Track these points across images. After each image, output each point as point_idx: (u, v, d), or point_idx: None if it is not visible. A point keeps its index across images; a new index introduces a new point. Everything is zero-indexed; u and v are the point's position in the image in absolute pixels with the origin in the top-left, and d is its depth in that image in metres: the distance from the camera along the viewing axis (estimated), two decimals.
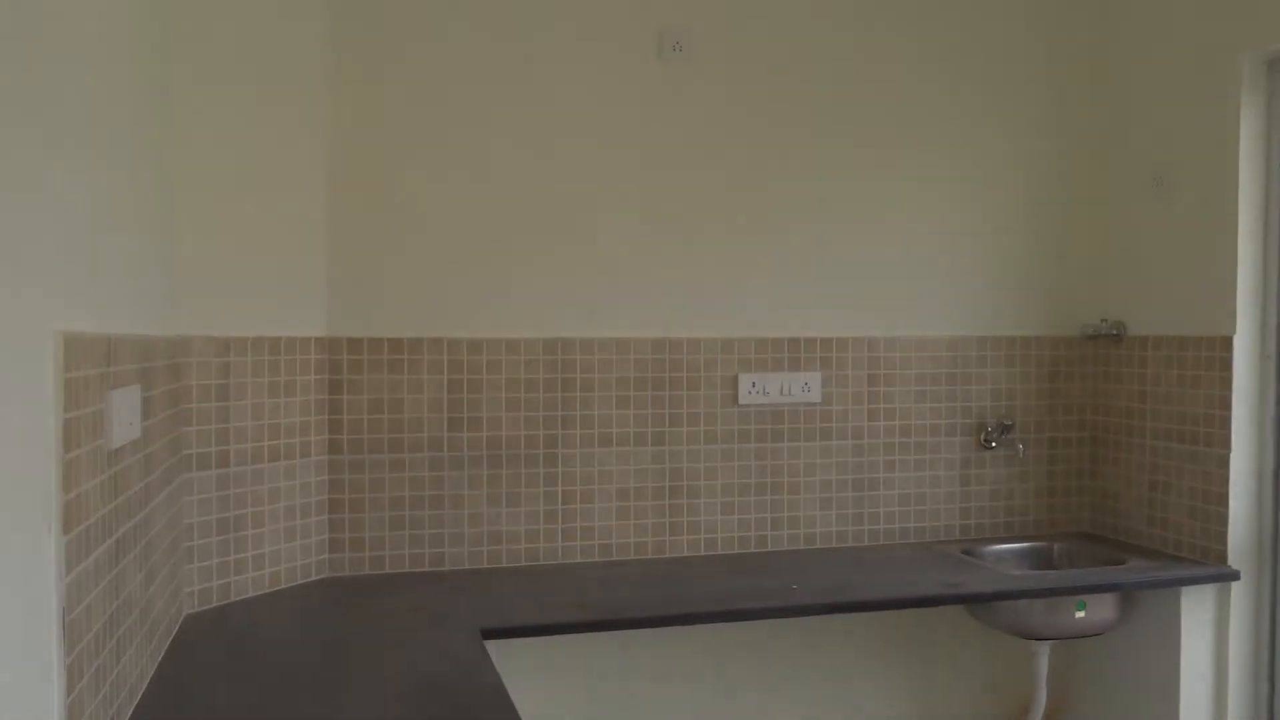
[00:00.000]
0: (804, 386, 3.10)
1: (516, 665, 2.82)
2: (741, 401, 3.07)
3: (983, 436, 3.26)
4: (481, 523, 2.89)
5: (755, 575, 2.83)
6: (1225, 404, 2.86)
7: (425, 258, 2.83)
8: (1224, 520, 2.86)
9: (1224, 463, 2.86)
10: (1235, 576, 2.84)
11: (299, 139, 2.69)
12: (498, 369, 2.90)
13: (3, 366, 1.17)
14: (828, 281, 3.13)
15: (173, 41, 2.32)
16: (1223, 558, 2.87)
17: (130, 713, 1.78)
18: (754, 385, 3.07)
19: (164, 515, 2.14)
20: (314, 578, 2.75)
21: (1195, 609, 2.90)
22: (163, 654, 2.11)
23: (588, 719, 2.97)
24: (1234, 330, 2.85)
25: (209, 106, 2.44)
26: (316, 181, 2.73)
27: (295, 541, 2.70)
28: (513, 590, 2.68)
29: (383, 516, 2.82)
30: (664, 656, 3.01)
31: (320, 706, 1.87)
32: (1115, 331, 3.23)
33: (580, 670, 2.95)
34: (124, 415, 1.72)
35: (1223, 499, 2.86)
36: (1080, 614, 2.87)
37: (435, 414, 2.86)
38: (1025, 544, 3.23)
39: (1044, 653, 3.08)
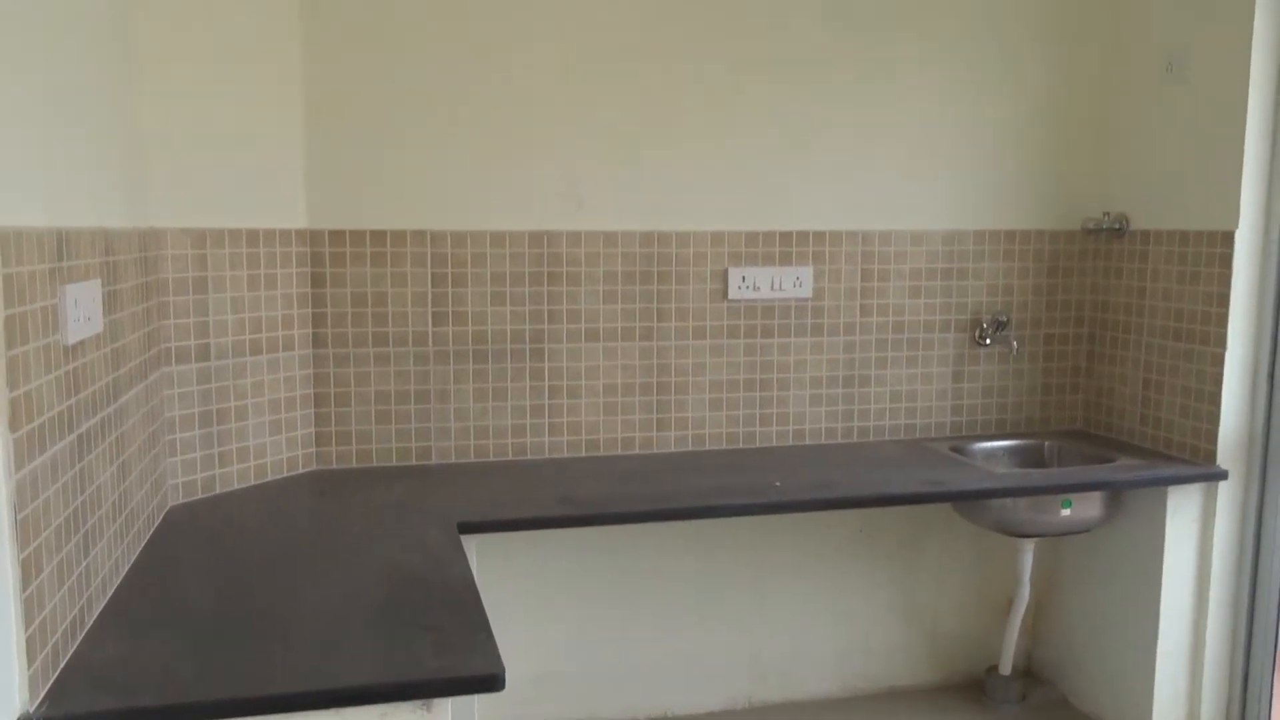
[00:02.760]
0: (795, 281, 3.05)
1: (498, 561, 2.87)
2: (731, 296, 3.02)
3: (977, 333, 3.21)
4: (467, 417, 2.89)
5: (742, 472, 2.83)
6: (1224, 301, 2.80)
7: (407, 148, 2.76)
8: (1215, 419, 2.82)
9: (1218, 361, 2.81)
10: (1223, 476, 2.82)
11: (273, 15, 2.60)
12: (482, 262, 2.85)
13: None
14: (821, 174, 3.05)
15: None
16: (1211, 457, 2.84)
17: (104, 603, 1.81)
18: (744, 279, 3.02)
19: (140, 409, 2.14)
20: (300, 470, 2.77)
21: (1181, 508, 2.89)
22: (142, 545, 2.13)
23: (572, 616, 3.03)
24: (1236, 225, 2.77)
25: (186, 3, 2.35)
26: (292, 64, 2.65)
27: (281, 435, 2.71)
28: (497, 484, 2.69)
29: (369, 410, 2.83)
30: (648, 552, 3.04)
31: (293, 596, 1.89)
32: (1118, 225, 3.15)
33: (564, 567, 2.99)
34: (82, 309, 1.70)
35: (1215, 398, 2.82)
36: (1066, 512, 2.87)
37: (419, 308, 2.83)
38: (1016, 441, 3.22)
39: (1028, 550, 3.10)
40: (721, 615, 3.14)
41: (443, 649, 1.63)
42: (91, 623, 1.72)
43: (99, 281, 1.83)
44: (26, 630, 1.40)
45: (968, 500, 2.90)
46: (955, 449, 3.09)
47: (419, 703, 1.55)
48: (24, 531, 1.40)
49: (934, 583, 3.31)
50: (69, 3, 1.75)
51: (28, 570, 1.41)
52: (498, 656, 1.59)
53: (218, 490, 2.54)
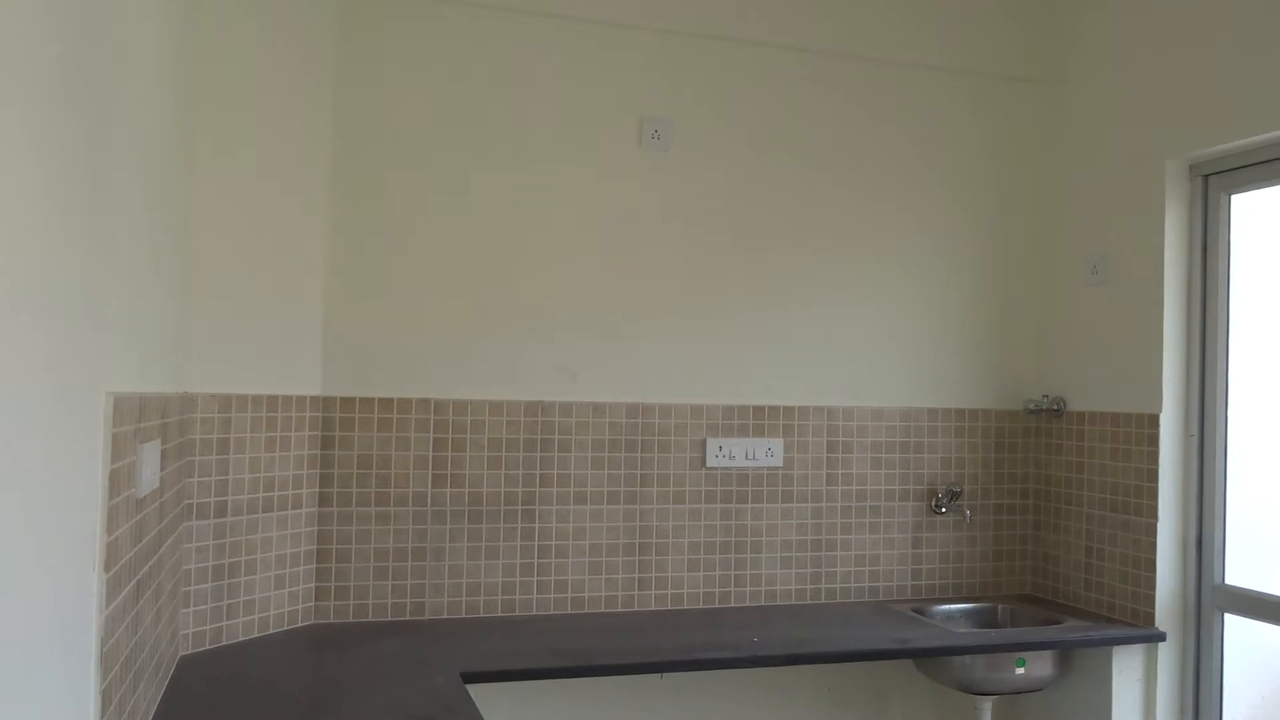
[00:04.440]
0: (767, 451, 3.32)
1: (494, 711, 2.98)
2: (709, 464, 3.27)
3: (933, 502, 3.48)
4: (461, 574, 3.05)
5: (719, 629, 3.01)
6: (1153, 476, 3.10)
7: (413, 324, 3.03)
8: (1152, 584, 3.08)
9: (1152, 531, 3.10)
10: (1162, 638, 3.06)
11: (300, 216, 2.89)
12: (480, 429, 3.08)
13: (65, 424, 1.35)
14: (791, 354, 3.36)
15: (195, 121, 2.54)
16: (1150, 620, 3.09)
17: None
18: (721, 449, 3.28)
19: (169, 560, 2.30)
20: (300, 624, 2.89)
21: (1126, 667, 3.11)
22: (162, 692, 2.25)
23: None
24: (1160, 409, 3.10)
25: (223, 185, 2.65)
26: (315, 253, 2.93)
27: (285, 589, 2.85)
28: (490, 638, 2.84)
29: (368, 567, 2.98)
30: (631, 704, 3.17)
31: None
32: (1056, 407, 3.48)
33: (543, 716, 3.10)
34: (150, 467, 1.90)
35: (1151, 565, 3.09)
36: (1020, 670, 3.07)
37: (420, 470, 3.03)
38: (972, 604, 3.44)
39: (987, 708, 3.27)
40: None
41: None
42: None
43: (159, 441, 2.03)
44: None
45: (931, 657, 3.09)
46: (916, 610, 3.30)
47: None
48: (105, 665, 1.56)
49: None
50: (149, 207, 2.02)
51: (106, 701, 1.57)
52: None
53: (224, 642, 2.67)
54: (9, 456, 1.05)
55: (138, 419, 1.80)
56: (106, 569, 1.56)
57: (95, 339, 1.49)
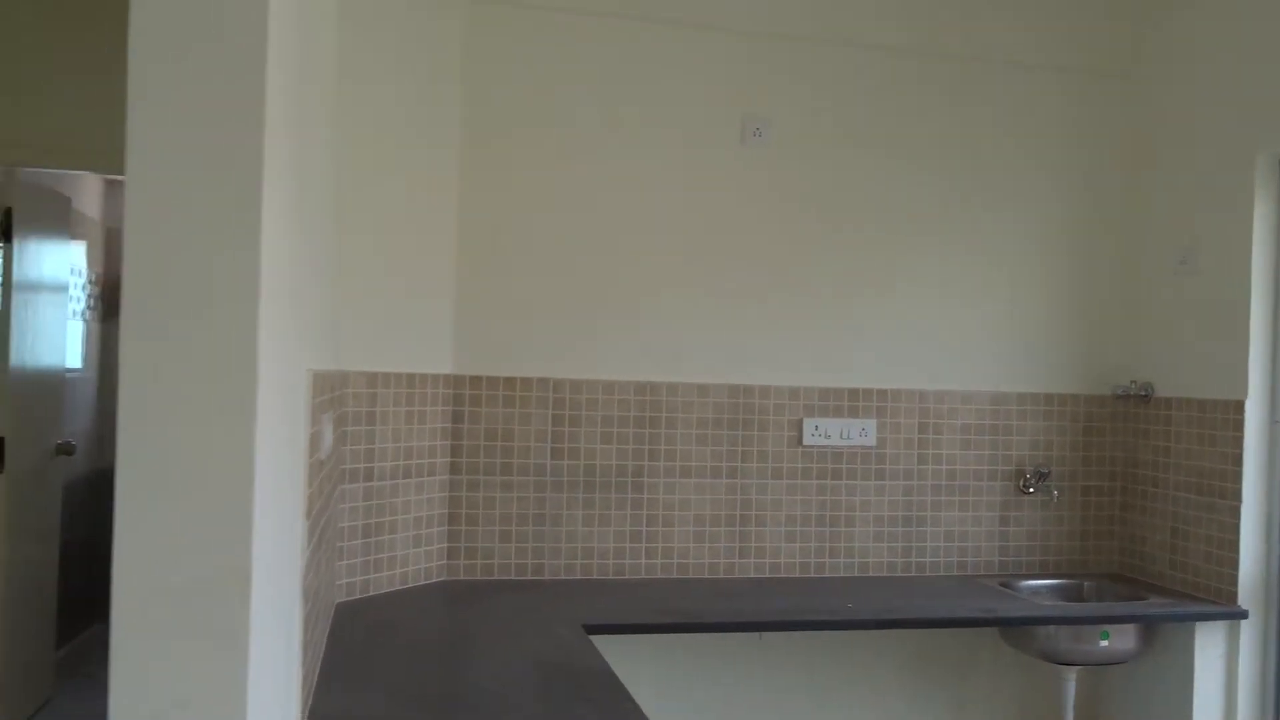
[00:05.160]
0: (861, 431, 3.52)
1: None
2: (805, 442, 3.49)
3: (1021, 482, 3.64)
4: (577, 539, 3.33)
5: (814, 596, 3.23)
6: (1238, 461, 3.22)
7: (534, 309, 3.30)
8: (1235, 565, 3.21)
9: (1235, 513, 3.22)
10: (1244, 615, 3.19)
11: (433, 212, 3.20)
12: (595, 406, 3.35)
13: (292, 394, 1.64)
14: (884, 340, 3.55)
15: (344, 139, 2.85)
16: (1234, 599, 3.22)
17: (315, 677, 2.24)
18: (817, 428, 3.49)
19: (332, 517, 2.62)
20: (435, 580, 3.21)
21: (1208, 643, 3.25)
22: (328, 632, 2.57)
23: (650, 710, 3.38)
24: (1246, 395, 3.22)
25: (366, 186, 2.96)
26: (447, 245, 3.23)
27: (421, 548, 3.17)
28: (603, 597, 3.11)
29: (493, 530, 3.28)
30: (732, 662, 3.42)
31: (465, 675, 2.32)
32: (1143, 392, 3.61)
33: (653, 669, 3.36)
34: (327, 434, 2.20)
35: (1234, 546, 3.22)
36: (1104, 643, 3.23)
37: (540, 443, 3.32)
38: (1058, 581, 3.60)
39: (1071, 678, 3.43)
40: None
41: (596, 712, 2.04)
42: (314, 686, 2.15)
43: (331, 413, 2.34)
44: (301, 680, 1.85)
45: (1017, 626, 3.27)
46: (1003, 584, 3.48)
47: None
48: (306, 597, 1.87)
49: (984, 708, 3.64)
50: (324, 220, 2.32)
51: (308, 627, 1.87)
52: (643, 717, 2.00)
53: (371, 592, 2.99)
54: (271, 419, 1.33)
55: (320, 393, 2.10)
56: (307, 516, 1.86)
57: (300, 322, 1.78)
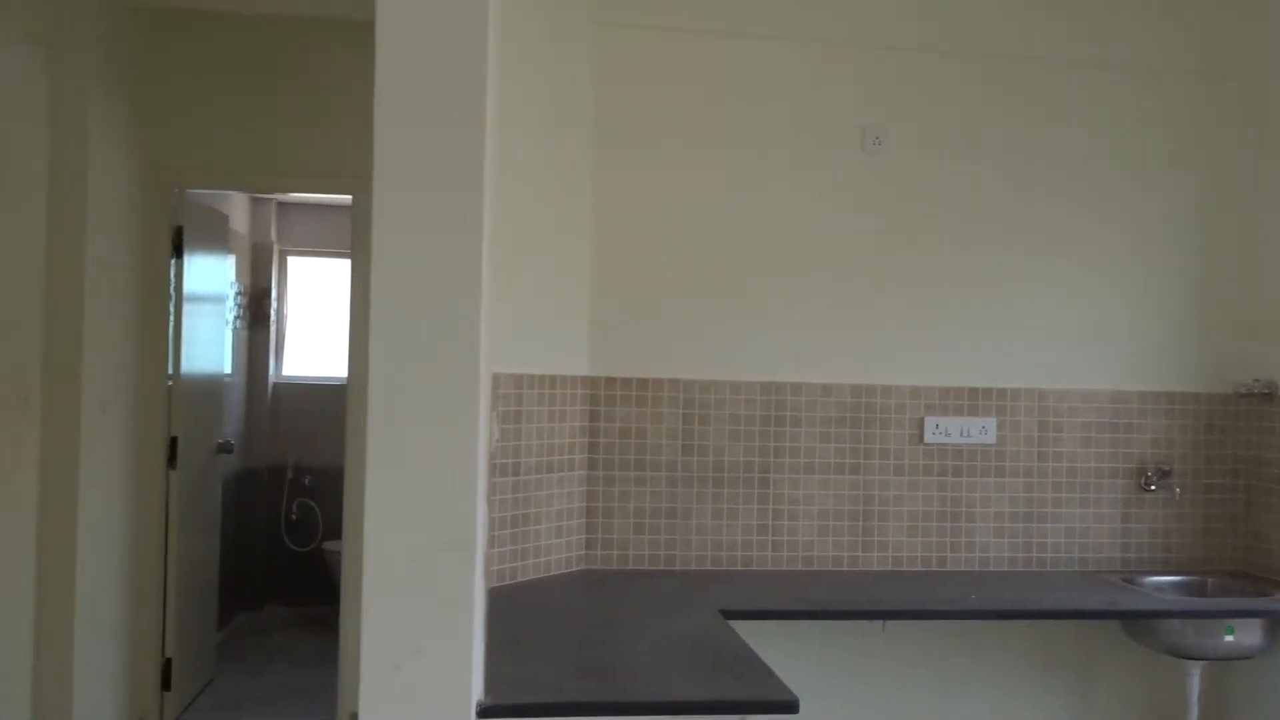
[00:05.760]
0: (981, 429, 3.62)
1: None
2: (926, 440, 3.61)
3: (1143, 480, 3.69)
4: (706, 532, 3.52)
5: (936, 588, 3.35)
6: None
7: (664, 314, 3.50)
8: None
9: None
10: None
11: (569, 224, 3.42)
12: (723, 406, 3.53)
13: (482, 390, 1.86)
14: (1003, 340, 3.65)
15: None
16: None
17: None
18: (937, 426, 3.61)
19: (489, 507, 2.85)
20: (574, 569, 3.42)
21: None
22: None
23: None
24: None
25: (511, 208, 3.19)
26: (582, 254, 3.45)
27: (562, 538, 3.39)
28: (734, 586, 3.29)
29: (628, 522, 3.48)
30: (856, 650, 3.55)
31: (614, 650, 2.52)
32: (1267, 390, 3.63)
33: (781, 654, 3.50)
34: (495, 430, 2.43)
35: None
36: (1229, 638, 3.27)
37: (672, 440, 3.51)
38: (1181, 577, 3.63)
39: (1195, 673, 3.47)
40: (905, 714, 3.60)
41: (746, 685, 2.22)
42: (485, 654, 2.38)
43: (497, 411, 2.57)
44: (483, 646, 2.06)
45: (1140, 619, 3.33)
46: (1126, 580, 3.54)
47: (736, 717, 2.13)
48: (486, 575, 2.09)
49: (1106, 702, 3.69)
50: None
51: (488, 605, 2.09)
52: (789, 690, 2.17)
53: (518, 579, 3.22)
54: (483, 416, 1.54)
55: (491, 391, 2.32)
56: (486, 501, 2.08)
57: (487, 332, 2.00)
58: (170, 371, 4.26)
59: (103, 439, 3.84)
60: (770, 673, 2.30)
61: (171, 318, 4.27)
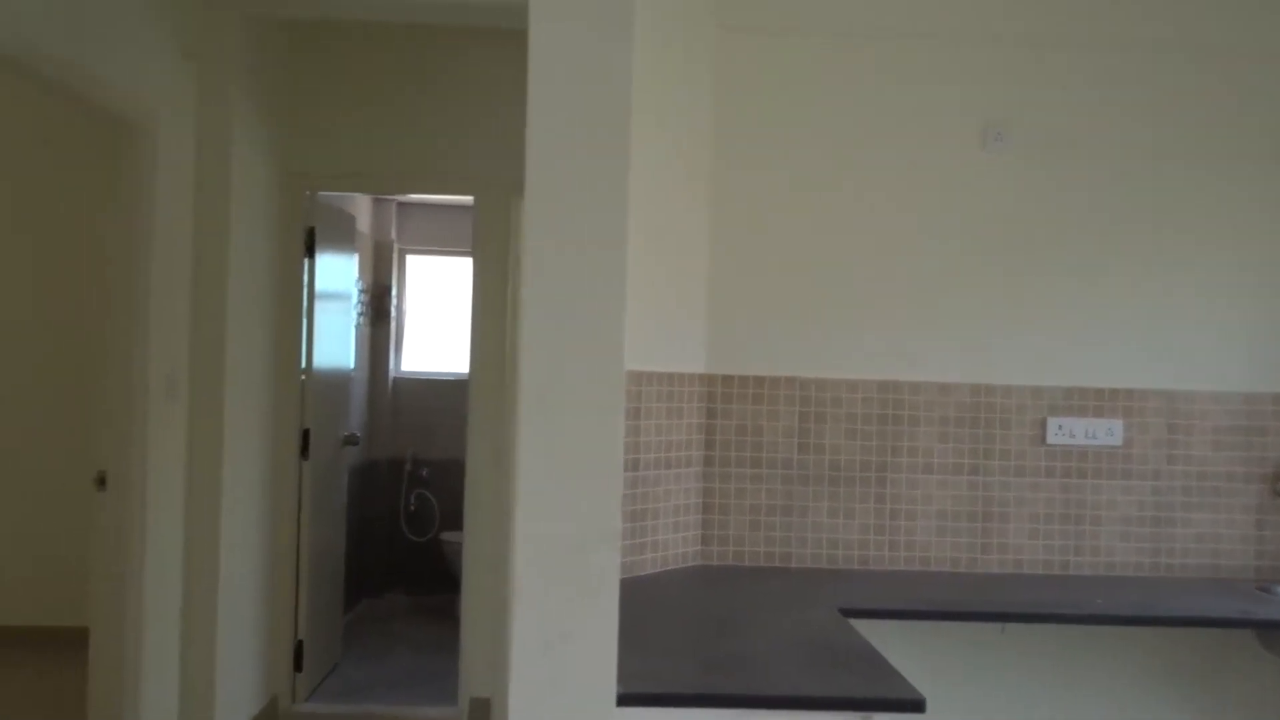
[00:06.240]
0: (1107, 431, 3.54)
1: None
2: (1049, 441, 3.55)
3: (1278, 485, 3.56)
4: (822, 530, 3.53)
5: (1059, 592, 3.30)
6: None
7: (780, 312, 3.52)
8: None
9: None
10: None
11: (689, 226, 3.47)
12: (839, 404, 3.54)
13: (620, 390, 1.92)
14: (1129, 340, 3.56)
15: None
16: None
17: None
18: (1060, 427, 3.54)
19: None
20: (691, 564, 3.48)
21: None
22: None
23: None
24: None
25: (637, 207, 3.25)
26: (701, 254, 3.49)
27: (679, 534, 3.44)
28: (850, 585, 3.29)
29: (744, 519, 3.52)
30: (975, 652, 3.52)
31: (735, 645, 2.56)
32: None
33: (898, 654, 3.49)
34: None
35: None
36: None
37: (788, 439, 3.53)
38: None
39: None
40: (1027, 714, 3.55)
41: (870, 683, 2.24)
42: None
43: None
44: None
45: (1276, 630, 3.21)
46: (1261, 588, 3.42)
47: (860, 715, 2.15)
48: None
49: (1237, 716, 3.58)
50: None
51: None
52: (915, 689, 2.18)
53: (637, 573, 3.28)
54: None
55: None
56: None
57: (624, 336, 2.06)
58: (303, 366, 4.46)
59: (243, 429, 4.05)
60: (894, 672, 2.31)
61: (304, 314, 4.47)
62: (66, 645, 4.31)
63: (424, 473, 6.59)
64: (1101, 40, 3.57)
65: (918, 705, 2.12)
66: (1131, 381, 3.57)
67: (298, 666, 4.48)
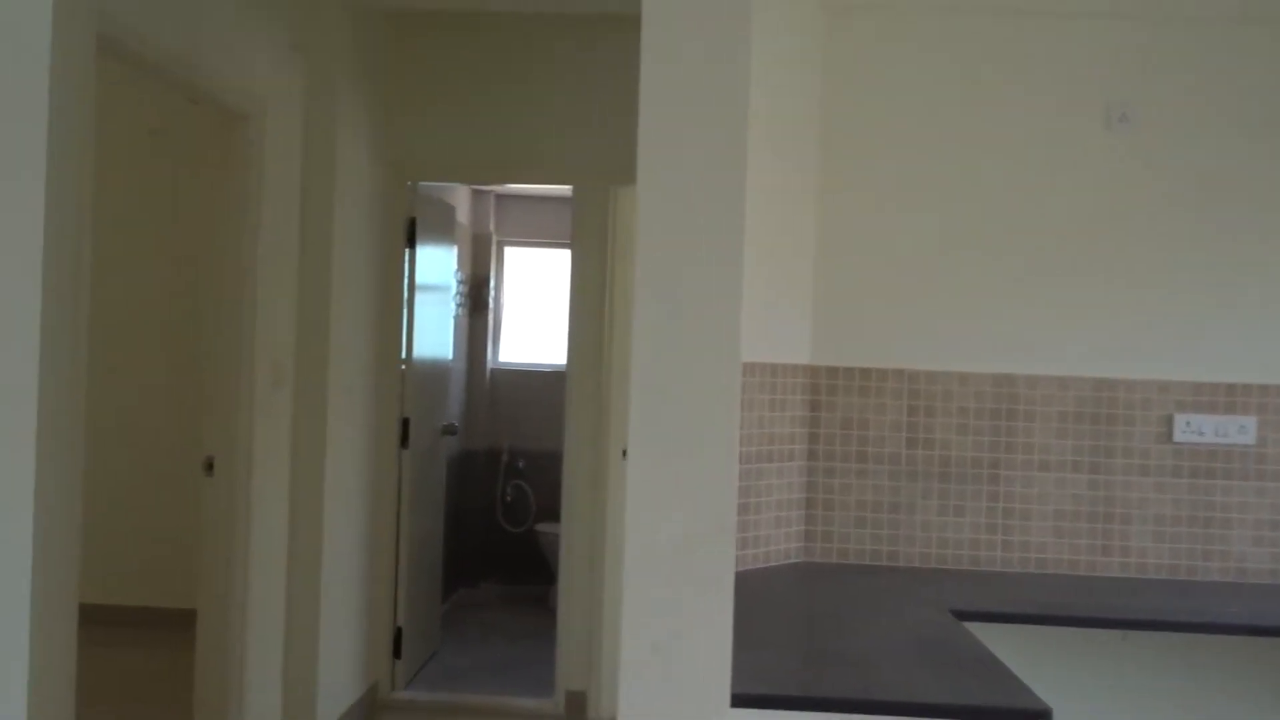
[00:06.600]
0: (1239, 428, 3.33)
1: None
2: (1175, 439, 3.35)
3: None
4: (931, 528, 3.40)
5: (1185, 599, 3.11)
6: None
7: (887, 302, 3.40)
8: None
9: None
10: None
11: (795, 214, 3.37)
12: (950, 398, 3.40)
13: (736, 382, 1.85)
14: (1265, 332, 3.34)
15: None
16: None
17: None
18: (1188, 424, 3.35)
19: None
20: (794, 560, 3.38)
21: None
22: None
23: None
24: None
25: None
26: (807, 242, 3.39)
27: (782, 529, 3.36)
28: (961, 586, 3.16)
29: (849, 515, 3.41)
30: (1093, 660, 3.34)
31: (844, 643, 2.47)
32: None
33: (1012, 659, 3.35)
34: None
35: None
36: None
37: (895, 433, 3.41)
38: None
39: None
40: None
41: (991, 690, 2.12)
42: None
43: None
44: None
45: None
46: None
47: None
48: None
49: None
50: None
51: None
52: (1040, 699, 2.06)
53: (739, 569, 3.20)
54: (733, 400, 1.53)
55: None
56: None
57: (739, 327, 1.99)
58: (403, 356, 4.49)
59: (345, 418, 4.09)
60: (1015, 678, 2.19)
61: (405, 305, 4.50)
62: (177, 626, 4.44)
63: (520, 463, 6.61)
64: (1235, 13, 3.35)
65: (1044, 716, 2.00)
66: (1266, 376, 3.35)
67: (397, 654, 4.52)
